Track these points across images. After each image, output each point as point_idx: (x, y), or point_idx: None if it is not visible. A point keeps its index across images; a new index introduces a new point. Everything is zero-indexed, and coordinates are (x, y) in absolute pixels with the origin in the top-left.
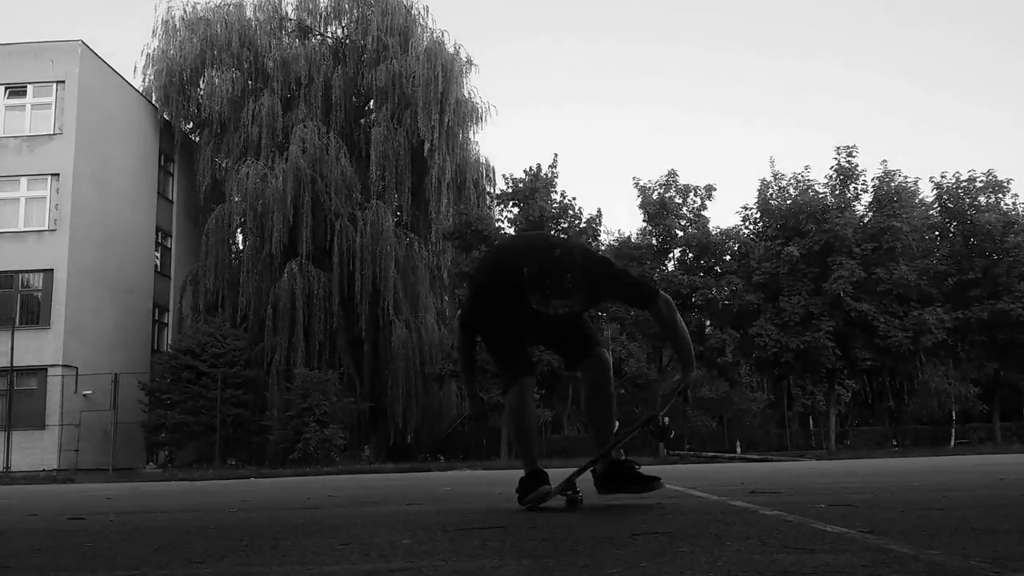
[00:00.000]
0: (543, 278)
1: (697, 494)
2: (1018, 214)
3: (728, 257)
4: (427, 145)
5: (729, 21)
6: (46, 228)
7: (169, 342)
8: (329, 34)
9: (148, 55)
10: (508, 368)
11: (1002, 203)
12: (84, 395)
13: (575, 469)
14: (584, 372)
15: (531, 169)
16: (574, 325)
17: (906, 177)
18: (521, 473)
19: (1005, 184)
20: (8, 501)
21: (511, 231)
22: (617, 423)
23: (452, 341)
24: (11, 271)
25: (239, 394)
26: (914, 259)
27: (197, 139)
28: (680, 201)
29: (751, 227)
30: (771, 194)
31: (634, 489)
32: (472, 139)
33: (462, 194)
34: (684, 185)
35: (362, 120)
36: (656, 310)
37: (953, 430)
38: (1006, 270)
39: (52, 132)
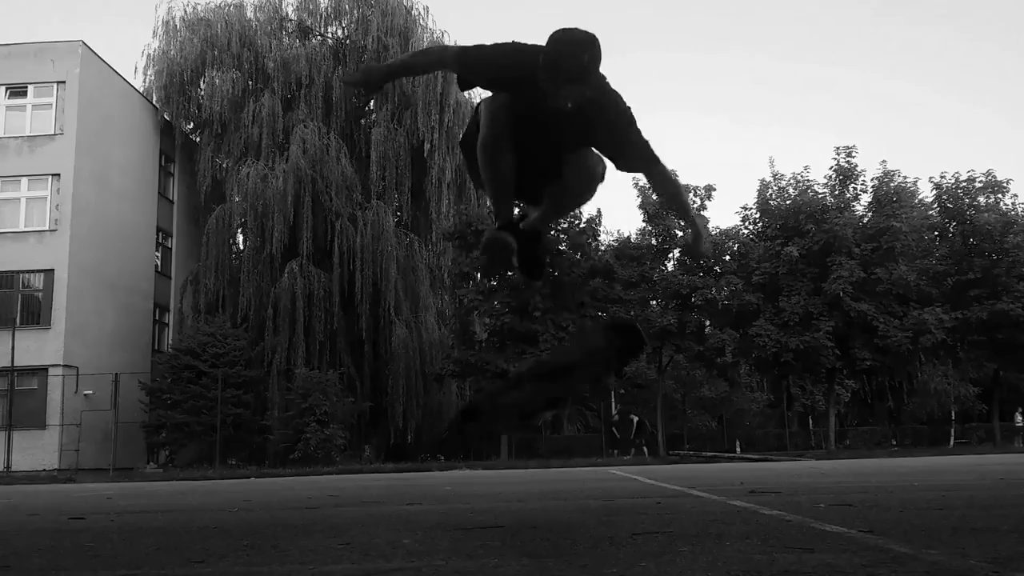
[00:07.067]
0: (557, 52)
1: (697, 494)
2: (1017, 214)
3: (728, 257)
4: (427, 145)
5: (729, 21)
6: (47, 228)
7: (170, 342)
8: (329, 35)
9: (148, 55)
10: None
11: (1001, 203)
12: (85, 395)
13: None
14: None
15: None
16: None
17: (905, 177)
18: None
19: (1004, 184)
20: (9, 501)
21: None
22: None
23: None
24: (12, 271)
25: (239, 394)
26: (913, 259)
27: (197, 139)
28: None
29: (751, 227)
30: (771, 194)
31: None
32: None
33: (462, 194)
34: (683, 185)
35: (362, 120)
36: (660, 169)
37: (953, 430)
38: (1005, 270)
39: (53, 132)
